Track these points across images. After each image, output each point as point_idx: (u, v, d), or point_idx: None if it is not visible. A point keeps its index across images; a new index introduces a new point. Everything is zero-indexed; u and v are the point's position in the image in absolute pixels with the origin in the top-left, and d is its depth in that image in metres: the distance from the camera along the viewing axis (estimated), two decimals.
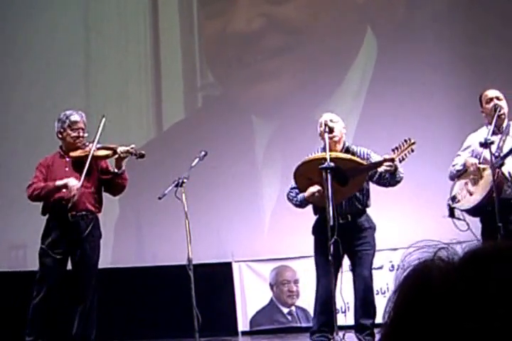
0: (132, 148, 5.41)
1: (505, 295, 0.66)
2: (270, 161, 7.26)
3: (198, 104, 7.66)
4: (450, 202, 5.20)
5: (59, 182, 5.34)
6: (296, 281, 6.84)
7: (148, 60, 7.64)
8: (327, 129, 5.04)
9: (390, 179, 5.04)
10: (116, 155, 5.38)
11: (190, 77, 7.69)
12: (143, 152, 5.48)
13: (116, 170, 5.43)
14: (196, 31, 7.65)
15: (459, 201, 5.17)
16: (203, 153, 5.89)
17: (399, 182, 5.09)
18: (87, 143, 5.48)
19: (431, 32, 7.06)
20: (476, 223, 5.17)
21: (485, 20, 6.95)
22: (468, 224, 5.09)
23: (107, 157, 5.48)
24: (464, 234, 4.94)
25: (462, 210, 5.14)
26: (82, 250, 5.38)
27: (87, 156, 5.34)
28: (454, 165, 5.26)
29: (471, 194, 5.11)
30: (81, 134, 5.48)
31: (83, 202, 5.37)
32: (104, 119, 5.57)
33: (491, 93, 5.19)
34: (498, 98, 5.14)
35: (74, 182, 5.29)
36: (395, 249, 6.59)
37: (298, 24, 7.45)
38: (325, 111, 5.42)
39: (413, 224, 6.55)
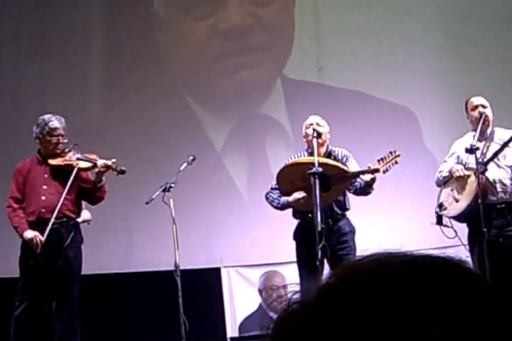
0: (113, 162, 5.33)
1: (353, 328, 0.64)
2: (258, 166, 7.25)
3: (186, 106, 7.63)
4: (437, 210, 5.20)
5: (25, 235, 5.22)
6: (285, 286, 6.81)
7: None
8: (315, 134, 5.02)
9: (361, 189, 5.03)
10: (96, 169, 5.32)
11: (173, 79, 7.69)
12: (123, 168, 5.41)
13: (96, 182, 5.36)
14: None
15: (445, 208, 5.18)
16: (191, 157, 5.88)
17: (367, 194, 5.10)
18: (67, 150, 5.41)
19: (417, 42, 7.05)
20: (463, 230, 5.16)
21: (472, 30, 6.94)
22: (455, 231, 5.08)
23: (86, 169, 5.41)
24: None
25: (449, 217, 5.13)
26: (65, 257, 5.33)
27: (66, 166, 5.26)
28: (440, 172, 5.27)
29: (457, 201, 5.12)
30: (60, 141, 5.38)
31: (62, 209, 5.29)
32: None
33: (476, 100, 5.20)
34: (483, 106, 5.15)
35: (39, 238, 5.18)
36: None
37: (278, 25, 7.50)
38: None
39: (399, 228, 6.54)
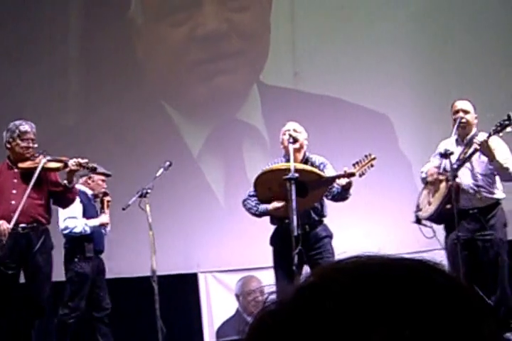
0: (86, 162, 5.32)
1: (329, 327, 0.65)
2: (234, 171, 7.26)
3: (163, 112, 7.63)
4: (416, 210, 5.26)
5: None
6: (262, 292, 6.80)
7: None
8: (292, 140, 5.03)
9: (338, 194, 5.04)
10: (68, 169, 5.29)
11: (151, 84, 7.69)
12: (95, 165, 5.40)
13: (66, 184, 5.34)
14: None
15: (420, 210, 5.23)
16: (167, 163, 5.88)
17: (344, 200, 5.10)
18: (37, 155, 5.38)
19: (393, 48, 7.09)
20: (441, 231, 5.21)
21: (448, 36, 7.00)
22: (434, 231, 5.13)
23: (57, 169, 5.37)
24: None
25: (424, 219, 5.18)
26: (35, 263, 5.28)
27: (36, 168, 5.24)
28: (421, 172, 5.33)
29: (429, 203, 5.17)
30: (31, 145, 5.34)
31: (32, 214, 5.27)
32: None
33: (458, 104, 5.20)
34: (464, 110, 5.15)
35: (5, 226, 5.15)
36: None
37: (254, 31, 7.55)
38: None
39: (375, 233, 6.57)
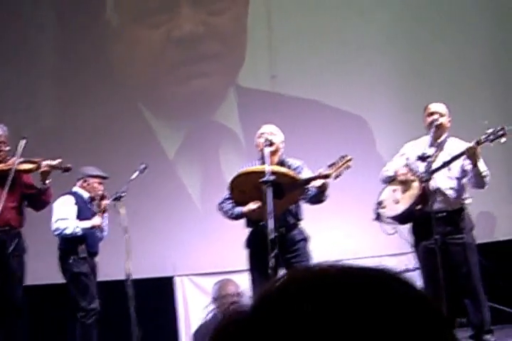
0: (59, 163, 5.26)
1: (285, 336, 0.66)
2: (211, 174, 7.23)
3: (138, 114, 7.58)
4: (377, 207, 5.23)
5: None
6: (239, 295, 6.78)
7: None
8: (268, 143, 5.01)
9: (315, 197, 5.02)
10: (41, 170, 5.24)
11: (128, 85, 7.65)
12: (68, 165, 5.35)
13: (41, 186, 5.29)
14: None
15: (384, 207, 5.21)
16: (143, 166, 5.84)
17: (320, 202, 5.08)
18: (9, 157, 5.32)
19: (370, 51, 7.11)
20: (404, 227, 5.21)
21: (426, 40, 7.02)
22: (395, 227, 5.13)
23: (30, 171, 5.33)
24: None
25: (387, 217, 5.17)
26: (8, 266, 5.23)
27: (9, 170, 5.19)
28: (386, 171, 5.30)
29: (397, 202, 5.16)
30: (2, 148, 5.32)
31: (5, 217, 5.21)
32: (24, 141, 5.36)
33: (433, 107, 5.21)
34: (438, 113, 5.17)
35: None
36: (338, 261, 6.60)
37: (231, 33, 7.54)
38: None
39: (353, 235, 6.58)
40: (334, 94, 7.11)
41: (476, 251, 5.07)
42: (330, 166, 4.89)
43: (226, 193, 5.23)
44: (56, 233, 5.75)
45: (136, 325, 5.51)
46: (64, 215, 5.72)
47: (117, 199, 5.62)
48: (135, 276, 5.63)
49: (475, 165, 4.95)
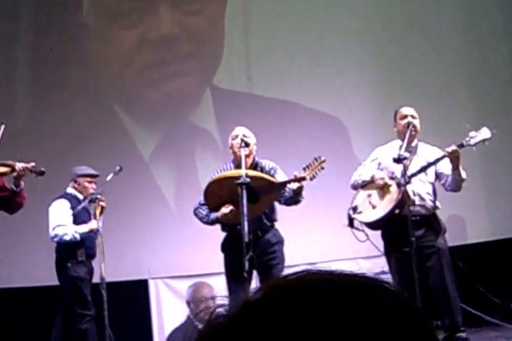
0: (33, 166, 5.21)
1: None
2: (186, 176, 7.20)
3: (114, 115, 7.53)
4: (351, 212, 5.22)
5: None
6: (213, 298, 6.71)
7: None
8: (243, 144, 4.99)
9: (290, 199, 5.01)
10: (15, 173, 5.18)
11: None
12: (42, 169, 5.29)
13: (14, 188, 5.23)
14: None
15: (360, 212, 5.19)
16: (117, 167, 5.80)
17: (296, 203, 5.07)
18: None
19: (347, 52, 7.11)
20: (375, 235, 5.20)
21: (402, 42, 7.04)
22: (367, 234, 5.12)
23: (5, 174, 5.27)
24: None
25: (362, 222, 5.16)
26: None
27: None
28: (360, 175, 5.28)
29: (373, 207, 5.15)
30: None
31: None
32: (3, 126, 5.30)
33: (406, 110, 5.24)
34: (412, 116, 5.20)
35: None
36: (313, 264, 6.61)
37: (207, 34, 7.51)
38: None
39: (329, 238, 6.57)
40: (310, 95, 7.10)
41: (448, 254, 5.10)
42: (305, 169, 4.90)
43: (201, 198, 5.20)
44: (55, 240, 5.72)
45: (110, 328, 5.47)
46: (61, 221, 5.69)
47: (92, 201, 5.58)
48: (109, 279, 5.59)
49: (456, 168, 4.97)
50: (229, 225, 5.06)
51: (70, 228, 5.68)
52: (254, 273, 4.97)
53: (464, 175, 5.04)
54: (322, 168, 4.92)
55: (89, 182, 5.87)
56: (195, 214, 5.25)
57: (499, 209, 6.51)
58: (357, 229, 5.16)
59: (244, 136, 5.11)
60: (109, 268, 5.62)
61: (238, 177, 4.75)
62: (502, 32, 6.85)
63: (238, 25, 7.46)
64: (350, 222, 5.18)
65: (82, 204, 5.62)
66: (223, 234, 5.22)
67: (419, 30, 7.00)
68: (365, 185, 5.22)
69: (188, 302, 6.81)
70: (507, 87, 6.76)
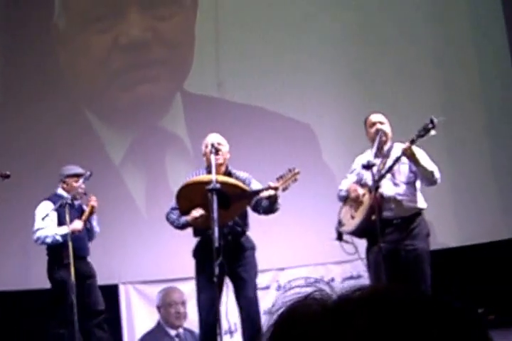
0: None
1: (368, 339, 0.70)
2: (157, 181, 7.19)
3: (84, 119, 7.50)
4: (337, 226, 5.27)
5: None
6: (183, 303, 6.76)
7: None
8: (213, 150, 5.00)
9: (267, 207, 5.04)
10: None
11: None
12: (8, 172, 5.27)
13: None
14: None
15: (344, 225, 5.25)
16: (88, 173, 5.78)
17: (274, 212, 5.09)
18: None
19: (318, 59, 7.16)
20: (363, 245, 5.24)
21: (374, 49, 7.10)
22: (356, 247, 5.15)
23: None
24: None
25: (348, 233, 5.21)
26: None
27: None
28: (340, 190, 5.33)
29: (352, 218, 5.20)
30: None
31: None
32: None
33: (374, 117, 5.27)
34: (380, 122, 5.24)
35: None
36: (282, 269, 6.64)
37: (178, 39, 7.52)
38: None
39: (298, 244, 6.60)
40: (281, 101, 7.14)
41: (428, 258, 5.08)
42: (278, 179, 4.93)
43: (173, 202, 5.21)
44: (38, 243, 5.73)
45: (80, 333, 5.44)
46: (42, 224, 5.69)
47: (62, 206, 5.56)
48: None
49: (417, 164, 5.00)
50: (201, 231, 5.07)
51: (50, 230, 5.67)
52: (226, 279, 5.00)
53: (430, 167, 5.02)
54: (295, 180, 4.95)
55: (77, 181, 5.86)
56: (167, 219, 5.25)
57: (467, 215, 6.60)
58: (346, 242, 5.20)
59: (217, 143, 5.12)
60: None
61: (209, 183, 4.77)
62: (472, 38, 6.95)
63: (209, 31, 7.48)
64: (339, 236, 5.23)
65: (54, 208, 5.59)
66: (195, 240, 5.23)
67: (396, 35, 7.06)
68: (346, 199, 5.28)
69: (159, 308, 6.80)
70: (474, 94, 6.86)
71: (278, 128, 7.09)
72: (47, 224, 5.69)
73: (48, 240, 5.67)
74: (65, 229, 5.63)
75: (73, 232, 5.63)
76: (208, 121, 6.79)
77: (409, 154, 4.94)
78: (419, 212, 5.14)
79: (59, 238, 5.64)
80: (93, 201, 5.78)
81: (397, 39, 7.05)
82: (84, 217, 5.74)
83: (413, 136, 4.92)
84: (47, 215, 5.62)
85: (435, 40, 7.02)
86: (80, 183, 5.80)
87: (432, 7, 7.07)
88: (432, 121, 4.86)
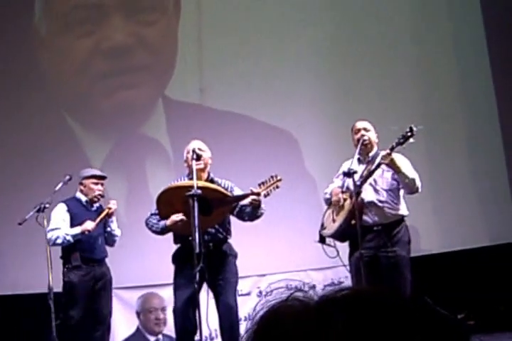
0: None
1: (348, 338, 0.72)
2: (137, 187, 7.16)
3: (64, 125, 7.46)
4: (320, 229, 5.29)
5: None
6: (163, 309, 6.72)
7: None
8: (195, 156, 4.99)
9: (251, 213, 5.04)
10: None
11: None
12: None
13: None
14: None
15: (325, 228, 5.27)
16: (67, 177, 5.76)
17: (259, 217, 5.10)
18: None
19: (300, 67, 7.17)
20: (345, 249, 5.25)
21: (355, 54, 7.13)
22: (337, 251, 5.16)
23: None
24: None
25: (328, 236, 5.23)
26: None
27: None
28: (325, 193, 5.37)
29: (334, 221, 5.23)
30: None
31: None
32: None
33: (359, 124, 5.29)
34: (365, 129, 5.26)
35: None
36: (263, 275, 6.63)
37: (161, 45, 7.49)
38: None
39: (280, 250, 6.60)
40: (263, 108, 7.14)
41: (408, 264, 5.09)
42: (260, 185, 4.93)
43: (153, 208, 5.19)
44: (50, 244, 5.65)
45: (59, 340, 5.40)
46: (54, 225, 5.65)
47: (40, 210, 5.52)
48: (56, 289, 5.52)
49: (398, 171, 5.03)
50: (181, 237, 5.05)
51: (61, 231, 5.63)
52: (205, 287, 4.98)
53: (411, 174, 5.06)
54: (277, 187, 4.95)
55: (95, 183, 5.84)
56: (146, 224, 5.23)
57: (448, 222, 6.63)
58: (328, 245, 5.21)
59: (199, 149, 5.11)
60: (59, 278, 5.57)
61: (190, 189, 4.75)
62: (452, 49, 7.00)
63: (192, 37, 7.47)
64: (322, 239, 5.24)
65: (30, 214, 5.55)
66: (173, 245, 5.21)
67: (376, 42, 7.09)
68: (330, 202, 5.29)
69: (138, 313, 6.76)
70: (454, 103, 6.90)
71: (260, 135, 7.09)
72: (58, 225, 5.65)
73: (58, 241, 5.61)
74: (76, 230, 5.60)
75: (83, 232, 5.60)
76: (189, 128, 6.78)
77: (389, 161, 4.95)
78: (401, 219, 5.16)
79: (70, 238, 5.60)
80: (111, 204, 5.76)
81: (379, 47, 7.08)
82: (98, 219, 5.69)
83: (393, 143, 4.95)
84: (24, 218, 5.59)
85: (416, 48, 7.05)
86: (98, 186, 5.82)
87: (414, 20, 7.11)
88: (411, 130, 4.91)
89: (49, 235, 5.64)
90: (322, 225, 5.31)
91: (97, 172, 5.92)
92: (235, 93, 7.22)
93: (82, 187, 5.86)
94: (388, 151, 4.95)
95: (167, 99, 7.43)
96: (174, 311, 5.04)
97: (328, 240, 5.24)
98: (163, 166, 7.12)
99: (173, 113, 7.35)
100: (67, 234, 5.61)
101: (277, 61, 7.22)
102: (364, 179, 5.07)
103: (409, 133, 4.90)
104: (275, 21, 7.35)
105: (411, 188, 5.10)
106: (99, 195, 5.85)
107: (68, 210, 5.72)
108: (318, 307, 0.74)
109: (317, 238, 5.28)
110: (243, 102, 7.19)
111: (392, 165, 4.99)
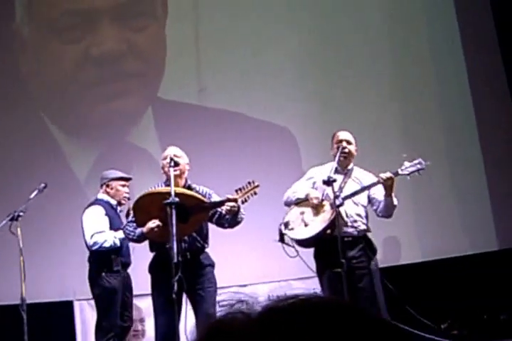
0: None
1: None
2: None
3: (47, 132, 7.34)
4: (282, 228, 5.19)
5: None
6: (141, 320, 6.62)
7: None
8: (172, 164, 4.91)
9: (231, 220, 4.98)
10: None
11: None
12: None
13: None
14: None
15: (292, 229, 5.18)
16: (42, 185, 5.69)
17: (239, 223, 5.04)
18: None
19: (293, 63, 7.11)
20: (307, 253, 5.17)
21: (334, 61, 7.10)
22: (297, 251, 5.09)
23: None
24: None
25: (292, 239, 5.14)
26: None
27: None
28: (294, 192, 5.26)
29: (306, 225, 5.15)
30: None
31: None
32: None
33: (342, 135, 5.27)
34: (348, 142, 5.22)
35: None
36: (245, 285, 6.57)
37: (151, 51, 7.40)
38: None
39: (262, 260, 6.53)
40: (259, 107, 7.08)
41: (379, 275, 5.12)
42: (237, 191, 4.87)
43: (130, 216, 5.10)
44: (95, 248, 5.50)
45: None
46: (99, 228, 5.51)
47: (14, 219, 5.40)
48: (34, 300, 5.41)
49: (389, 195, 5.05)
50: (157, 245, 4.97)
51: (109, 234, 5.50)
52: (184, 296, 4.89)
53: (395, 201, 5.11)
54: (255, 193, 4.89)
55: (123, 185, 5.76)
56: (123, 232, 5.15)
57: (428, 232, 6.59)
58: (287, 244, 5.13)
59: (174, 155, 5.03)
60: (33, 288, 5.45)
61: (167, 196, 4.67)
62: (432, 73, 6.96)
63: (189, 38, 7.37)
64: (281, 238, 5.16)
65: (3, 222, 5.43)
66: (151, 255, 5.11)
67: (360, 46, 7.05)
68: (299, 202, 5.21)
69: None
70: (434, 119, 6.88)
71: (257, 133, 7.01)
72: (102, 228, 5.51)
73: (107, 244, 5.47)
74: (122, 233, 5.39)
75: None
76: (178, 133, 6.71)
77: (388, 184, 4.99)
78: (367, 232, 5.20)
79: (117, 242, 5.48)
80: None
81: (364, 49, 7.05)
82: None
83: (398, 169, 5.02)
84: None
85: (399, 58, 7.03)
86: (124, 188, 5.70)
87: (392, 25, 7.09)
88: (420, 163, 5.03)
89: (95, 238, 5.47)
90: (286, 224, 5.21)
91: (123, 174, 5.80)
92: (232, 93, 7.13)
93: (108, 189, 5.74)
94: (390, 175, 4.96)
95: (156, 107, 7.32)
96: (155, 328, 4.95)
97: (287, 239, 5.16)
98: (151, 174, 6.97)
99: (164, 118, 7.25)
100: (116, 237, 5.47)
101: (274, 58, 7.15)
102: (353, 193, 5.08)
103: (419, 166, 5.02)
104: (270, 22, 7.32)
105: (390, 213, 5.16)
106: (126, 197, 5.69)
107: (106, 214, 5.59)
108: (261, 318, 0.75)
109: (277, 237, 5.17)
110: (241, 102, 7.11)
111: (390, 188, 5.00)
